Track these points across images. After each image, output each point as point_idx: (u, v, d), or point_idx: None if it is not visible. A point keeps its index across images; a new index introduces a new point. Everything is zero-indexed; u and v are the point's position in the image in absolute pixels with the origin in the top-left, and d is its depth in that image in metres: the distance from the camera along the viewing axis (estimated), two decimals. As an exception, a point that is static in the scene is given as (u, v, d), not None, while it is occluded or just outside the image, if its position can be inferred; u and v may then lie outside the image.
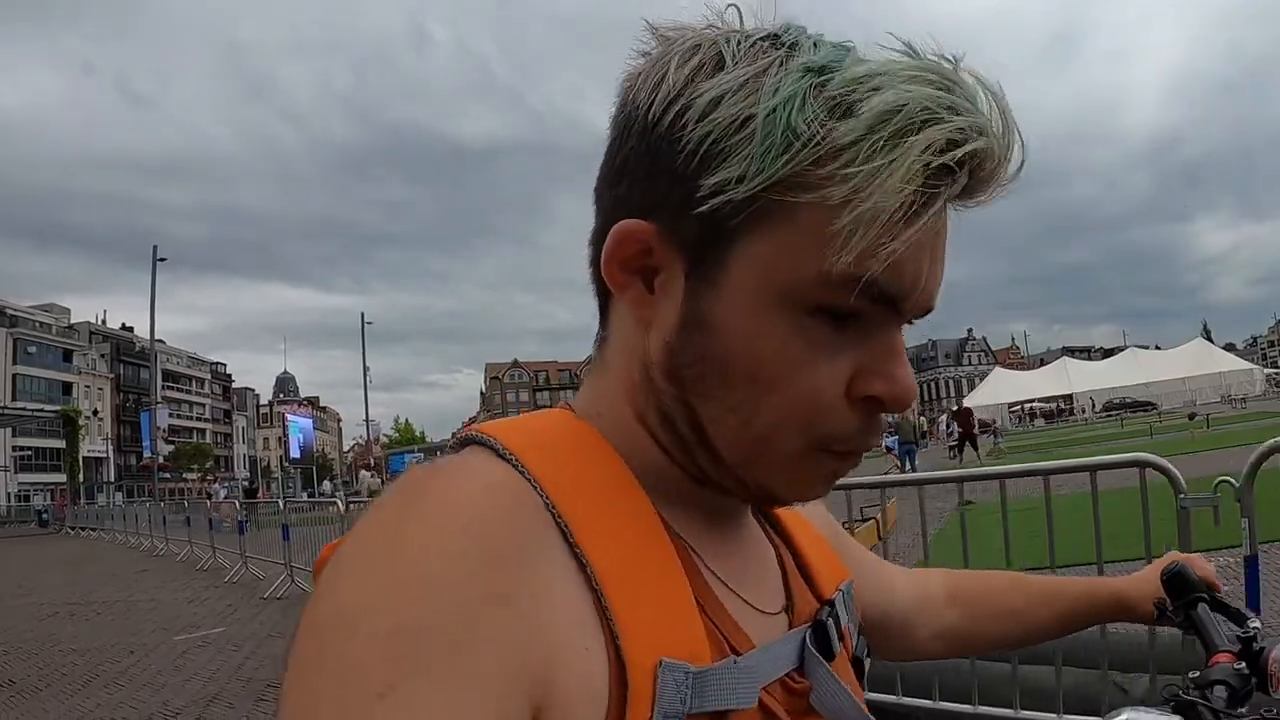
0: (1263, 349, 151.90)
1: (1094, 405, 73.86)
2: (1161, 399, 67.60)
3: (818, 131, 0.49)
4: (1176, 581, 0.96)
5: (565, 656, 0.47)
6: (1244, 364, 76.57)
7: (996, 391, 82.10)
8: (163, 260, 48.23)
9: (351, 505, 9.84)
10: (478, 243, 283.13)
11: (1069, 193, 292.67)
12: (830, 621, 0.67)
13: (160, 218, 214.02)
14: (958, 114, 0.49)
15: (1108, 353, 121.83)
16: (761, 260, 0.53)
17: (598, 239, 0.61)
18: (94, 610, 10.42)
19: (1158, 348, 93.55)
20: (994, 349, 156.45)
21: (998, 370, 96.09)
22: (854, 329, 0.55)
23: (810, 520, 0.79)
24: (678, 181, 0.54)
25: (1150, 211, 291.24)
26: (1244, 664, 0.82)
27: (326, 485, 59.52)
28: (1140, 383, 73.91)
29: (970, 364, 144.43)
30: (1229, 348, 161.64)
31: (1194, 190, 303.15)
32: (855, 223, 0.49)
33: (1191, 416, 35.05)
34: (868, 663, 0.75)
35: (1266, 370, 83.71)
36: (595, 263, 0.61)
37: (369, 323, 61.47)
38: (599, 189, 0.61)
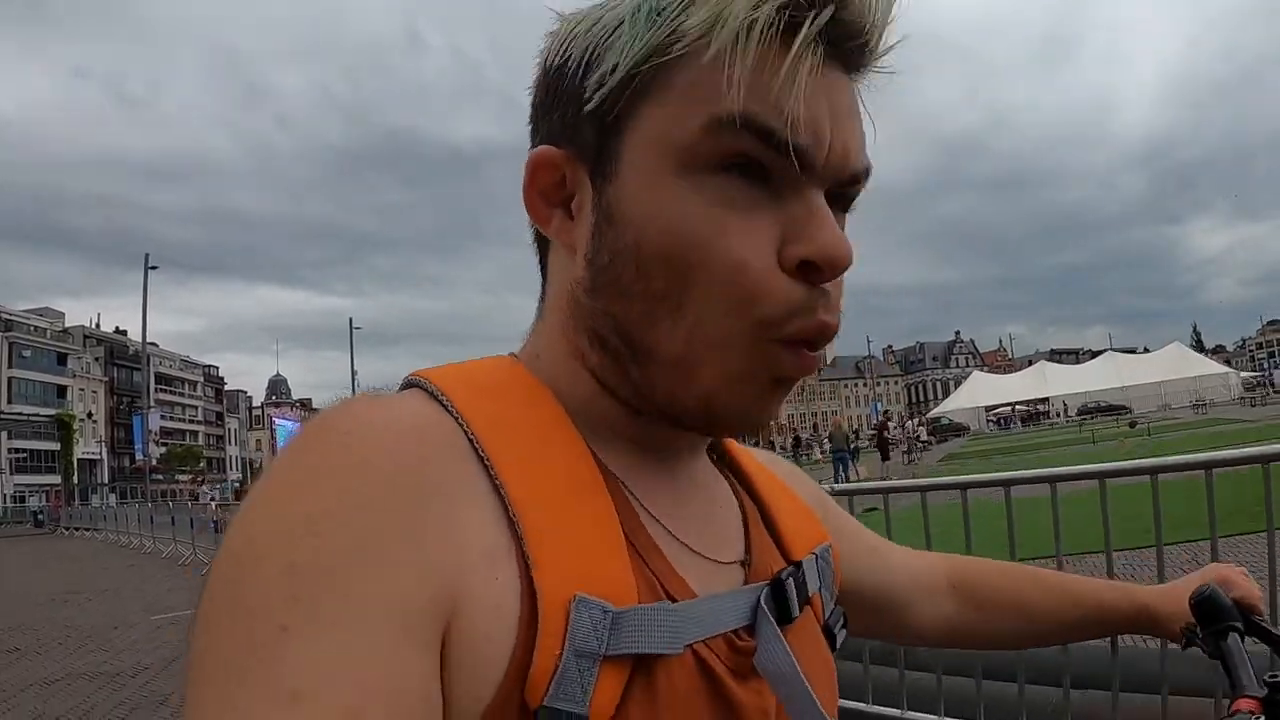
0: (1250, 351, 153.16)
1: (1067, 409, 75.30)
2: (1136, 403, 69.40)
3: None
4: (1206, 607, 0.87)
5: (472, 588, 0.46)
6: (1220, 369, 78.11)
7: (974, 395, 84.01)
8: (154, 269, 49.61)
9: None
10: (472, 246, 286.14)
11: (1063, 194, 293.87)
12: (790, 582, 0.63)
13: (154, 220, 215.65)
14: None
15: (1096, 355, 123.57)
16: (651, 133, 0.53)
17: (535, 229, 0.63)
18: (85, 597, 12.03)
19: (1146, 350, 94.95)
20: (982, 351, 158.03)
21: (976, 374, 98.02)
22: (770, 190, 0.53)
23: (795, 488, 0.78)
24: (571, 99, 0.56)
25: (1145, 213, 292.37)
26: (1263, 717, 0.76)
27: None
28: (1116, 387, 75.53)
29: (958, 366, 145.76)
30: (1219, 350, 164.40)
31: (1189, 192, 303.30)
32: (719, 55, 0.49)
33: (1132, 425, 36.79)
34: (841, 635, 0.73)
35: (1243, 374, 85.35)
36: (536, 239, 0.65)
37: (358, 328, 62.79)
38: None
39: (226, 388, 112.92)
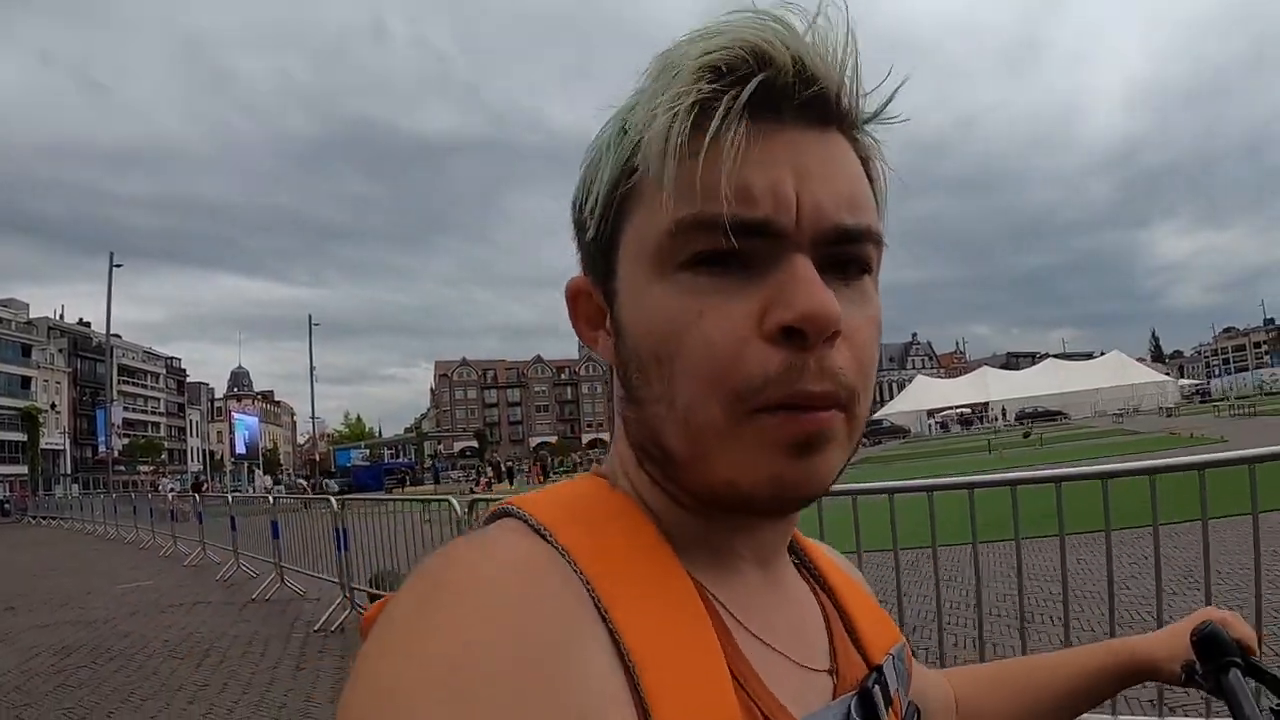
0: (1206, 357, 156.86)
1: (1006, 414, 78.18)
2: (1074, 409, 72.59)
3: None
4: (1208, 643, 0.88)
5: None
6: (1158, 376, 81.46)
7: (918, 398, 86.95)
8: (119, 267, 51.37)
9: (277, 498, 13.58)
10: (436, 239, 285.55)
11: (1031, 197, 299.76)
12: (876, 688, 0.64)
13: (118, 207, 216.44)
14: (722, 34, 0.51)
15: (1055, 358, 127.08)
16: (631, 247, 0.56)
17: None
18: (60, 573, 14.46)
19: (1101, 353, 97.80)
20: (939, 354, 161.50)
21: (920, 377, 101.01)
22: (752, 271, 0.52)
23: (860, 584, 0.78)
24: (581, 229, 0.61)
25: (1111, 217, 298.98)
26: None
27: (266, 480, 62.55)
28: (1055, 393, 78.70)
29: (914, 368, 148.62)
30: (1176, 355, 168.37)
31: (1154, 197, 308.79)
32: (655, 158, 0.51)
33: (1026, 435, 39.66)
34: None
35: (1182, 383, 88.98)
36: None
37: (317, 324, 64.59)
38: None
39: (189, 380, 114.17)
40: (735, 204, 0.50)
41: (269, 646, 7.16)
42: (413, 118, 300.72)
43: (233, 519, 12.64)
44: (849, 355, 0.54)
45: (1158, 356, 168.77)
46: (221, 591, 10.78)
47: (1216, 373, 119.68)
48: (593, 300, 0.61)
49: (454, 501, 7.03)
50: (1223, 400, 60.75)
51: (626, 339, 0.57)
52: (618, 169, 0.56)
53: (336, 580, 8.39)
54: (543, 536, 0.53)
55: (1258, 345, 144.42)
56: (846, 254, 0.55)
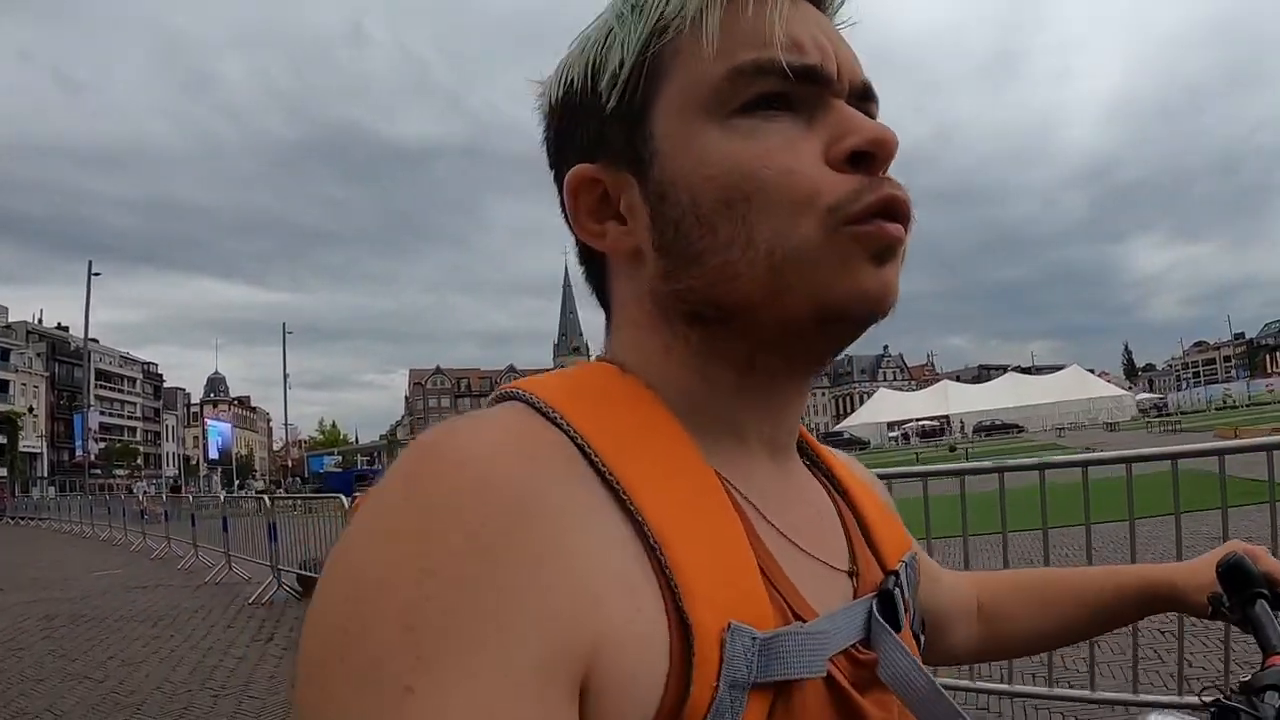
0: (1176, 371, 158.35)
1: (963, 427, 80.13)
2: (1031, 423, 74.67)
3: None
4: (1234, 574, 0.87)
5: (612, 624, 0.43)
6: (1115, 391, 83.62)
7: (878, 411, 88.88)
8: (97, 275, 53.00)
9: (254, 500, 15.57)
10: (416, 244, 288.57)
11: (1008, 210, 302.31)
12: (897, 591, 0.63)
13: (96, 208, 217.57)
14: None
15: (1026, 371, 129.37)
16: (675, 103, 0.55)
17: (581, 249, 0.64)
18: (42, 565, 16.36)
19: (1048, 368, 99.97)
20: (910, 366, 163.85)
21: (882, 390, 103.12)
22: (800, 115, 0.55)
23: (873, 489, 0.78)
24: (589, 114, 0.59)
25: (1087, 231, 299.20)
26: None
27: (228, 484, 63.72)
28: (1012, 406, 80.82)
29: (886, 379, 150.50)
30: (1149, 368, 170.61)
31: (1130, 211, 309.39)
32: (697, 12, 0.54)
33: (952, 448, 41.85)
34: (923, 639, 0.73)
35: (1140, 397, 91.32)
36: (586, 264, 0.66)
37: (290, 332, 66.38)
38: (561, 203, 0.62)
39: (165, 384, 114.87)
40: (787, 51, 0.53)
41: (210, 614, 9.09)
42: (393, 123, 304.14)
43: (193, 517, 14.73)
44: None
45: (1130, 370, 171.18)
46: (181, 577, 12.66)
47: (1186, 386, 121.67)
48: (598, 188, 0.60)
49: (343, 500, 9.03)
50: (1170, 416, 62.98)
51: (678, 194, 0.55)
52: (647, 29, 0.56)
53: (268, 565, 10.36)
54: (548, 417, 0.51)
55: (1227, 359, 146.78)
56: (869, 111, 0.58)
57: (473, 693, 0.38)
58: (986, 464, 4.53)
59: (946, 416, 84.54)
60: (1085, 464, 4.06)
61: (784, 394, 0.61)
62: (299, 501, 12.27)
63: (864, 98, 0.58)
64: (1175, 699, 3.82)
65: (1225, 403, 78.67)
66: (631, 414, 0.54)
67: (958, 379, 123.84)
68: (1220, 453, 3.79)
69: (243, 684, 5.96)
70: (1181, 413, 71.60)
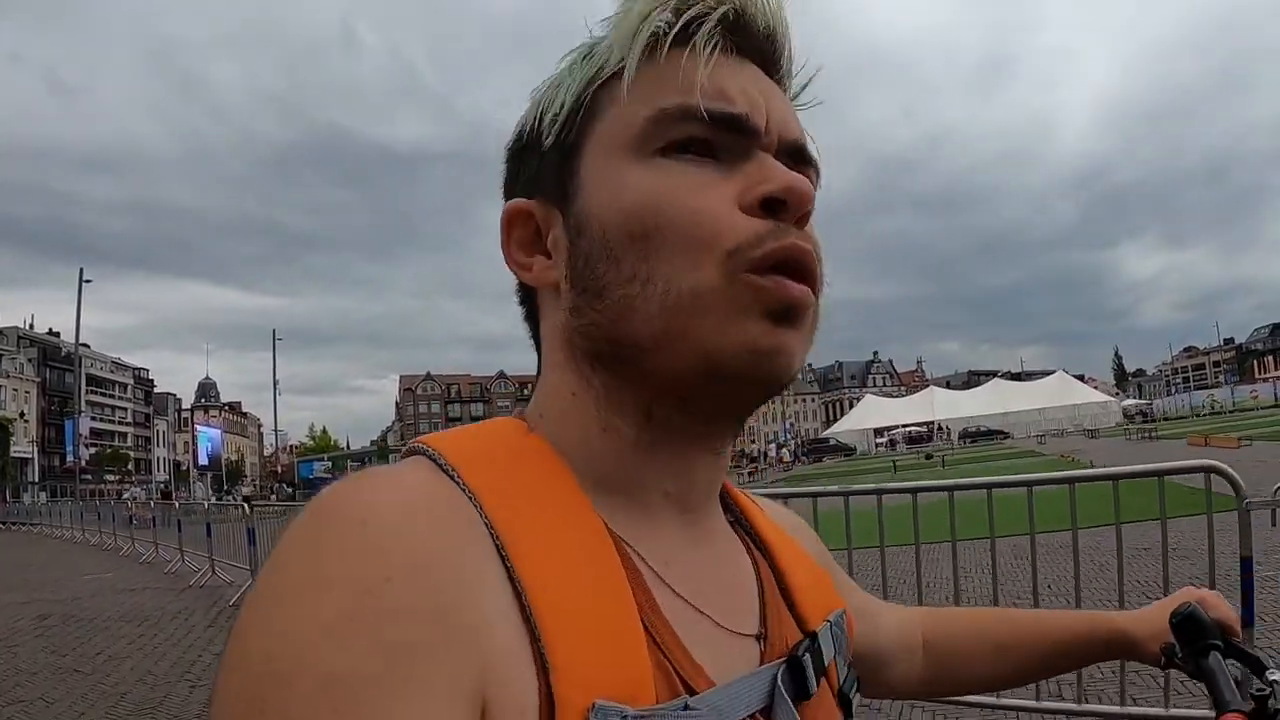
0: (1166, 376, 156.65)
1: (948, 433, 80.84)
2: (1017, 428, 75.44)
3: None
4: (1187, 625, 0.87)
5: (497, 690, 0.43)
6: (1100, 397, 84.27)
7: (865, 417, 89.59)
8: (88, 282, 53.45)
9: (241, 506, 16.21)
10: (406, 249, 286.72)
11: (999, 215, 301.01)
12: (808, 656, 0.62)
13: (87, 211, 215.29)
14: None
15: (1015, 376, 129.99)
16: (602, 140, 0.57)
17: (519, 288, 0.66)
18: (32, 567, 17.06)
19: (1038, 373, 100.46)
20: (900, 372, 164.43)
21: (869, 397, 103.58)
22: (725, 164, 0.56)
23: (803, 545, 0.76)
24: (532, 148, 0.62)
25: (1079, 236, 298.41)
26: None
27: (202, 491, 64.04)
28: (999, 413, 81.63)
29: (875, 386, 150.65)
30: (1139, 373, 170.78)
31: (1121, 216, 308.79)
32: (630, 46, 0.56)
33: (929, 456, 42.59)
34: (856, 699, 0.71)
35: (1126, 403, 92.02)
36: (527, 319, 0.67)
37: (280, 339, 66.86)
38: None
39: (156, 390, 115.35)
40: (711, 98, 0.55)
41: (192, 615, 9.71)
42: (384, 126, 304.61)
43: (179, 523, 15.33)
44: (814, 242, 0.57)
45: (1121, 375, 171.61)
46: (167, 580, 13.24)
47: (1176, 391, 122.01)
48: (531, 221, 0.62)
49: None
50: (1152, 421, 63.68)
51: (592, 227, 0.56)
52: (589, 74, 0.58)
53: (247, 568, 10.99)
54: (450, 476, 0.51)
55: (1217, 364, 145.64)
56: (801, 173, 0.58)
57: None
58: (903, 485, 4.78)
59: (932, 423, 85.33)
60: (989, 486, 4.33)
61: (689, 451, 0.60)
62: (278, 507, 12.86)
63: (796, 157, 0.59)
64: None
65: (1213, 409, 79.13)
66: (527, 473, 0.54)
67: (947, 385, 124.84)
68: (1029, 484, 4.29)
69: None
70: (1165, 419, 72.41)
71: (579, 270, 0.57)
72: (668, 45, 0.55)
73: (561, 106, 0.59)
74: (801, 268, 0.55)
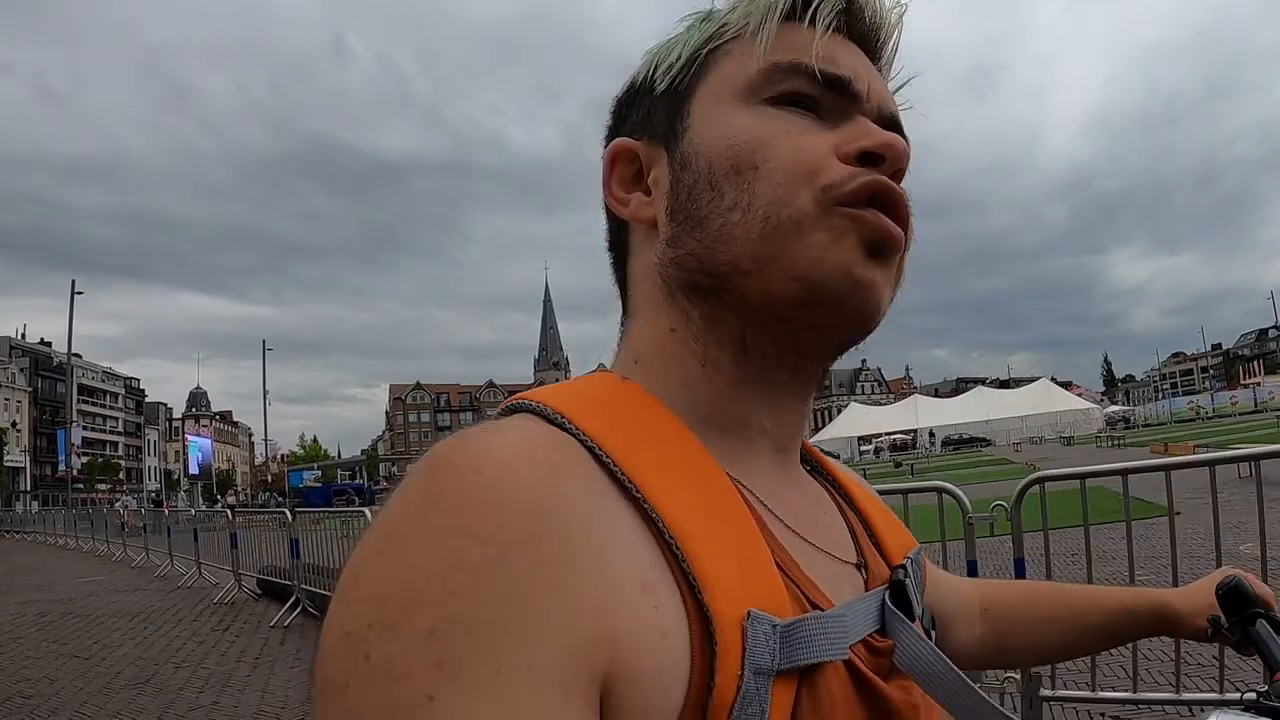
0: (1155, 382, 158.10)
1: (932, 440, 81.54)
2: (1000, 435, 76.22)
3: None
4: (1234, 596, 0.89)
5: (631, 622, 0.43)
6: (1082, 404, 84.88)
7: (850, 425, 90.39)
8: (80, 293, 54.25)
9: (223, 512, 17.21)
10: (397, 258, 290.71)
11: (989, 222, 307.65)
12: (908, 582, 0.65)
13: (77, 221, 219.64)
14: None
15: (1003, 384, 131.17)
16: (714, 88, 0.60)
17: (610, 232, 0.69)
18: (33, 572, 17.97)
19: (1054, 379, 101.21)
20: (889, 379, 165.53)
21: (853, 404, 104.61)
22: (825, 119, 0.59)
23: (870, 492, 0.79)
24: (644, 94, 0.65)
25: (1068, 242, 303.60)
26: None
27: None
28: (981, 420, 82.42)
29: (864, 393, 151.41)
30: (1129, 379, 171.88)
31: (1110, 223, 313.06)
32: (758, 13, 0.59)
33: (897, 465, 43.52)
34: (934, 633, 0.72)
35: (1109, 409, 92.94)
36: (615, 265, 0.69)
37: (270, 349, 67.54)
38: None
39: (147, 399, 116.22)
40: (823, 61, 0.58)
41: (180, 611, 10.67)
42: (373, 136, 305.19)
43: (168, 529, 16.26)
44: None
45: (1111, 381, 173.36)
46: (158, 583, 14.17)
47: (1164, 397, 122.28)
48: (635, 161, 0.64)
49: (286, 513, 10.65)
50: (1114, 431, 64.59)
51: (698, 161, 0.59)
52: (709, 33, 0.62)
53: (230, 570, 11.97)
54: (561, 426, 0.51)
55: (1205, 370, 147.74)
56: None
57: (494, 702, 0.38)
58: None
59: (915, 430, 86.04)
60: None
61: (781, 388, 0.62)
62: (261, 515, 13.85)
63: (891, 128, 0.61)
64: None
65: (1199, 414, 79.80)
66: (637, 418, 0.55)
67: (935, 392, 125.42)
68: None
69: (199, 660, 7.55)
70: (1145, 425, 73.25)
71: (681, 201, 0.59)
72: (781, 16, 0.59)
73: (678, 58, 0.62)
74: (894, 205, 0.57)
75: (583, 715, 0.41)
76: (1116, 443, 44.57)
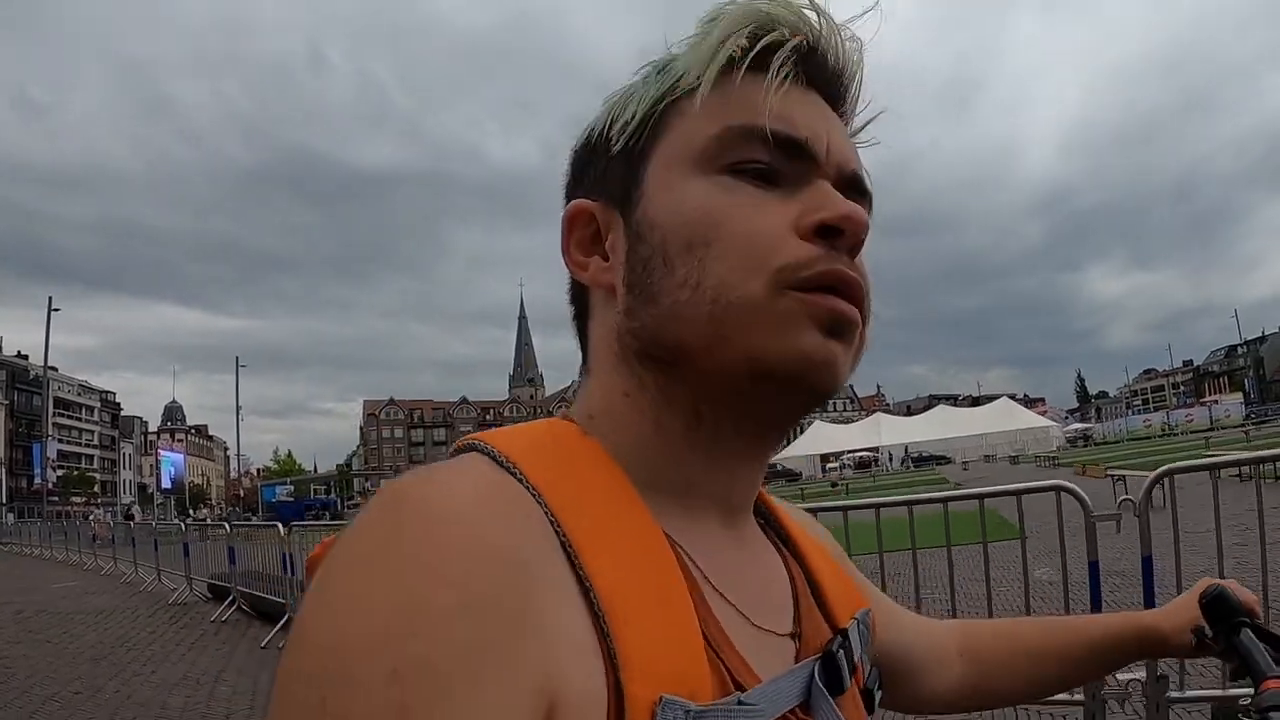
0: (1126, 398, 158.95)
1: (891, 458, 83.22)
2: (960, 453, 78.01)
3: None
4: (1217, 605, 0.88)
5: (566, 686, 0.43)
6: (1042, 422, 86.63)
7: (814, 443, 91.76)
8: (57, 310, 55.70)
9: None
10: (376, 271, 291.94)
11: (966, 239, 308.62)
12: (841, 653, 0.63)
13: (54, 230, 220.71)
14: (761, 7, 0.58)
15: (974, 401, 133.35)
16: (667, 150, 0.59)
17: (571, 291, 0.68)
18: (10, 578, 19.75)
19: (1026, 396, 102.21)
20: (861, 396, 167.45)
21: (817, 423, 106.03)
22: (783, 187, 0.57)
23: (823, 545, 0.78)
24: (600, 153, 0.64)
25: (1045, 259, 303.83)
26: None
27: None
28: (942, 438, 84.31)
29: (835, 410, 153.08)
30: (1102, 395, 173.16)
31: (1087, 239, 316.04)
32: (706, 65, 0.57)
33: (834, 485, 45.38)
34: (879, 695, 0.72)
35: (1069, 428, 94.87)
36: (576, 319, 0.68)
37: (244, 365, 69.08)
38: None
39: (123, 413, 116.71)
40: (776, 121, 0.56)
41: (139, 610, 12.52)
42: (352, 149, 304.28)
43: (133, 540, 18.12)
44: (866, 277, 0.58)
45: (1084, 397, 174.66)
46: (124, 588, 15.94)
47: (1134, 413, 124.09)
48: (593, 223, 0.63)
49: (227, 526, 12.59)
50: (1053, 452, 66.39)
51: (652, 233, 0.58)
52: (664, 89, 0.60)
53: (183, 574, 13.88)
54: (510, 473, 0.51)
55: (1175, 386, 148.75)
56: (857, 204, 0.58)
57: None
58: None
59: (878, 448, 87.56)
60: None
61: (735, 454, 0.62)
62: (214, 527, 15.77)
63: (852, 189, 0.61)
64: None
65: (1167, 431, 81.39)
66: (586, 473, 0.55)
67: (908, 409, 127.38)
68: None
69: (147, 644, 9.47)
70: (1104, 442, 75.13)
71: (636, 274, 0.59)
72: (743, 70, 0.58)
73: (633, 116, 0.61)
74: (849, 292, 0.56)
75: None
76: (1050, 462, 46.75)
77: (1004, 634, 0.99)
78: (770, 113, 0.57)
